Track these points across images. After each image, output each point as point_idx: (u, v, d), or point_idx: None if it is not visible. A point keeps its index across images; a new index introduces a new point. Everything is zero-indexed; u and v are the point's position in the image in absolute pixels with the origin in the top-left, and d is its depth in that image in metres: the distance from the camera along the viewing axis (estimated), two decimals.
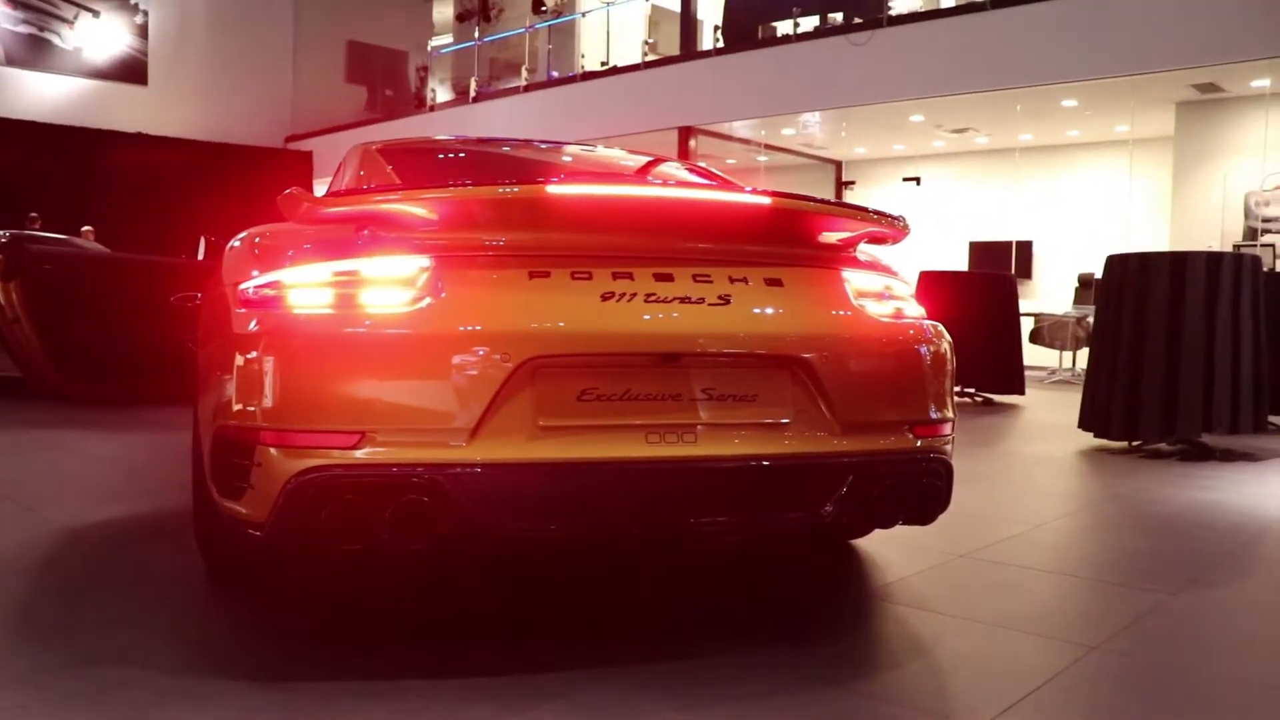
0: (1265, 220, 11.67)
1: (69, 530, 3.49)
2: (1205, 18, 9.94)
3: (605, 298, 2.29)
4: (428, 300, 2.23)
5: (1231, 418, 5.72)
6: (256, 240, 2.71)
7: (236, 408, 2.30)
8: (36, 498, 4.02)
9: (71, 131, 17.40)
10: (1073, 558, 3.61)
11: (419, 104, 19.03)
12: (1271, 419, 6.82)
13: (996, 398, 9.23)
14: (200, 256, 7.35)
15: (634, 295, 2.31)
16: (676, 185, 3.18)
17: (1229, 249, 10.39)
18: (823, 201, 2.64)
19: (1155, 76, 10.79)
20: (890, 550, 3.39)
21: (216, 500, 2.46)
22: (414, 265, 2.27)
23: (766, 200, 2.46)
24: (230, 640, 2.49)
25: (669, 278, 2.36)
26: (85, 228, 12.87)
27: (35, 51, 17.84)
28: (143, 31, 19.03)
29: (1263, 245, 11.19)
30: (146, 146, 18.16)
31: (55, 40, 18.05)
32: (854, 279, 2.62)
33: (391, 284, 2.25)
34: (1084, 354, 11.40)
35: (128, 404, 6.63)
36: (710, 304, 2.37)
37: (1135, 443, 6.11)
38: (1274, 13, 9.58)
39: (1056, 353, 12.61)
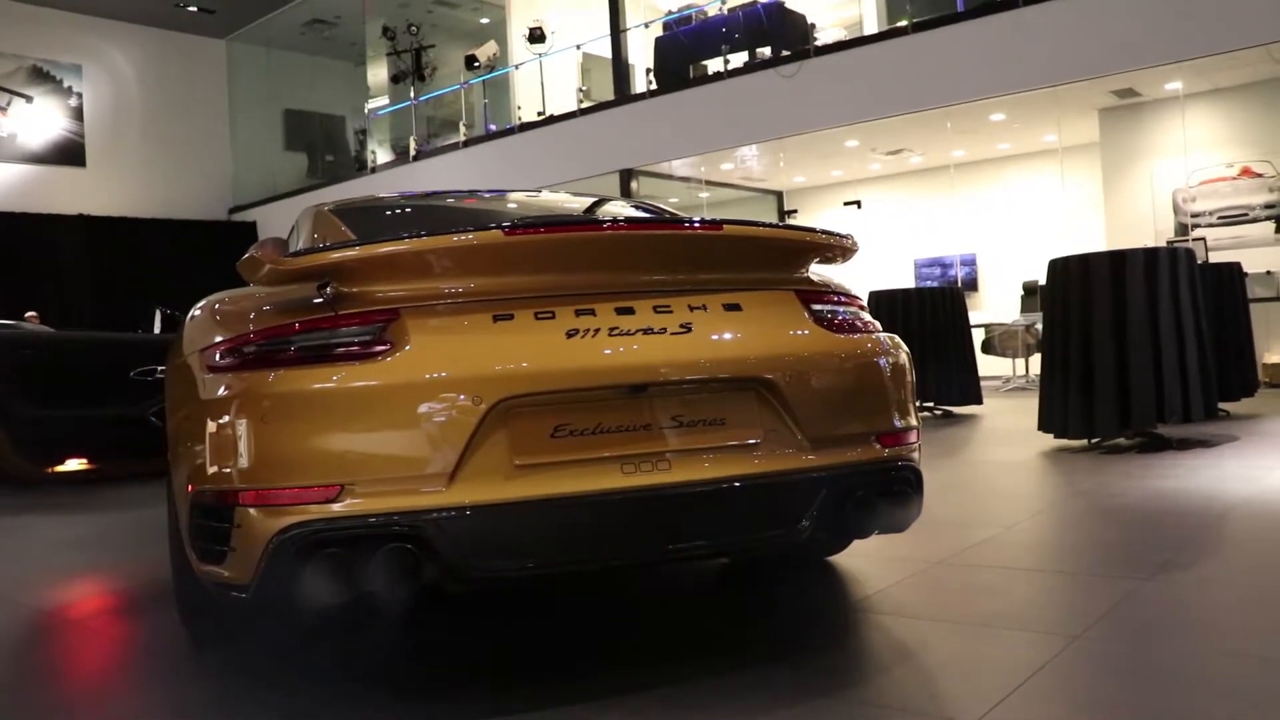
0: (1193, 215, 12.00)
1: (45, 613, 3.44)
2: (1117, 26, 10.25)
3: (570, 335, 2.33)
4: (396, 350, 2.25)
5: (1183, 407, 5.86)
6: (216, 306, 2.72)
7: (212, 471, 2.31)
8: (7, 583, 3.96)
9: (13, 218, 17.28)
10: (1046, 554, 3.67)
11: (360, 167, 19.04)
12: (1221, 405, 7.00)
13: (955, 409, 9.36)
14: (156, 330, 7.28)
15: (598, 330, 2.35)
16: (629, 221, 3.23)
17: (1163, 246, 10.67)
18: (772, 225, 2.71)
19: (1075, 86, 11.09)
20: (867, 565, 3.44)
21: (196, 567, 2.45)
22: (379, 317, 2.30)
23: (718, 228, 2.52)
24: (221, 706, 2.47)
25: (630, 310, 2.41)
26: (29, 313, 12.73)
27: None
28: (78, 114, 18.91)
29: (1194, 239, 11.49)
30: (90, 228, 18.06)
31: None
32: (809, 297, 2.68)
33: (358, 336, 2.27)
34: (1036, 360, 11.60)
35: (93, 483, 6.55)
36: (673, 333, 2.41)
37: (1094, 440, 6.23)
38: (1181, 19, 9.92)
39: (1009, 361, 12.81)
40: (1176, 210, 12.20)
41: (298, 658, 2.82)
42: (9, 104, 18.07)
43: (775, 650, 2.63)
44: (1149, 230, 12.17)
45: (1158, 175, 12.42)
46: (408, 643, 2.89)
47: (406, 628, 3.00)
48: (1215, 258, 10.30)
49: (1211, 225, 11.89)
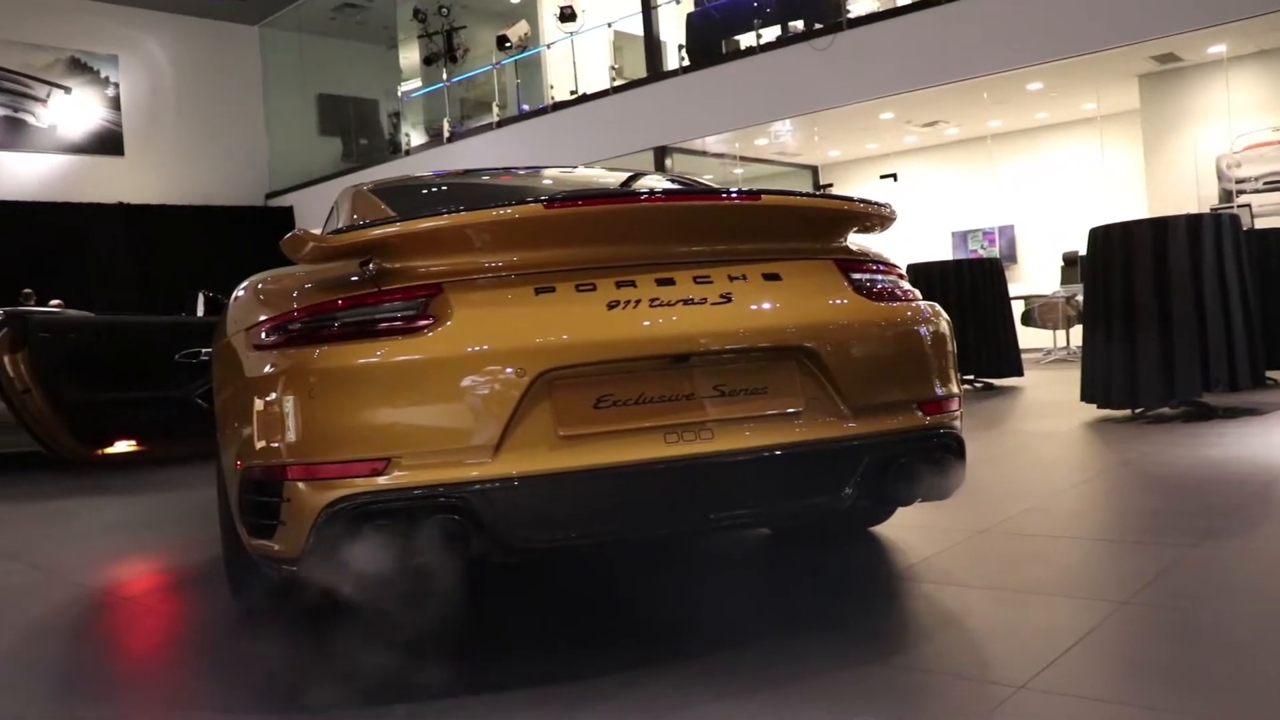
0: (1238, 181, 11.78)
1: (99, 591, 3.52)
2: None
3: (611, 306, 2.34)
4: (439, 324, 2.27)
5: (1229, 375, 5.78)
6: (260, 286, 2.76)
7: (260, 447, 2.34)
8: (61, 564, 4.04)
9: (54, 208, 17.55)
10: (1091, 522, 3.65)
11: (394, 149, 19.12)
12: (1269, 374, 6.89)
13: (996, 382, 9.29)
14: (200, 313, 7.37)
15: (638, 301, 2.36)
16: (668, 193, 3.23)
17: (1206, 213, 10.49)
18: (810, 194, 2.71)
19: (1115, 52, 10.90)
20: (910, 535, 3.43)
21: (247, 542, 2.49)
22: (422, 291, 2.31)
23: (756, 198, 2.52)
24: (274, 678, 2.51)
25: (670, 281, 2.41)
26: (54, 301, 12.87)
27: (11, 133, 17.89)
28: (115, 103, 19.13)
29: (1239, 206, 11.29)
30: (129, 216, 18.28)
31: (30, 120, 18.11)
32: (848, 266, 2.68)
33: (401, 311, 2.29)
34: (1077, 332, 11.48)
35: (141, 465, 6.66)
36: (713, 303, 2.42)
37: (1138, 410, 6.16)
38: None
39: (1050, 333, 12.68)
40: (1220, 176, 11.98)
41: (349, 632, 2.86)
42: (48, 95, 18.31)
43: (819, 618, 2.63)
44: (1192, 197, 11.97)
45: (1200, 141, 12.20)
46: (451, 615, 2.92)
47: (449, 600, 3.02)
48: (1261, 224, 10.13)
49: (1257, 191, 11.66)
